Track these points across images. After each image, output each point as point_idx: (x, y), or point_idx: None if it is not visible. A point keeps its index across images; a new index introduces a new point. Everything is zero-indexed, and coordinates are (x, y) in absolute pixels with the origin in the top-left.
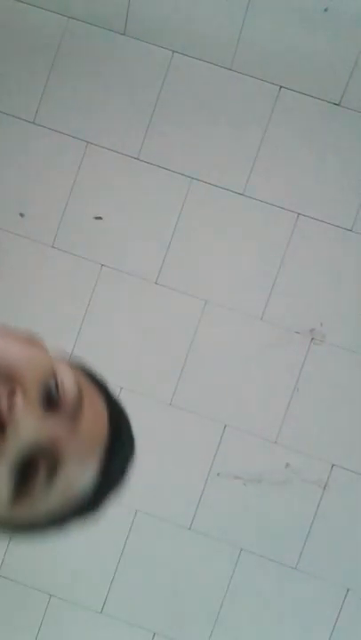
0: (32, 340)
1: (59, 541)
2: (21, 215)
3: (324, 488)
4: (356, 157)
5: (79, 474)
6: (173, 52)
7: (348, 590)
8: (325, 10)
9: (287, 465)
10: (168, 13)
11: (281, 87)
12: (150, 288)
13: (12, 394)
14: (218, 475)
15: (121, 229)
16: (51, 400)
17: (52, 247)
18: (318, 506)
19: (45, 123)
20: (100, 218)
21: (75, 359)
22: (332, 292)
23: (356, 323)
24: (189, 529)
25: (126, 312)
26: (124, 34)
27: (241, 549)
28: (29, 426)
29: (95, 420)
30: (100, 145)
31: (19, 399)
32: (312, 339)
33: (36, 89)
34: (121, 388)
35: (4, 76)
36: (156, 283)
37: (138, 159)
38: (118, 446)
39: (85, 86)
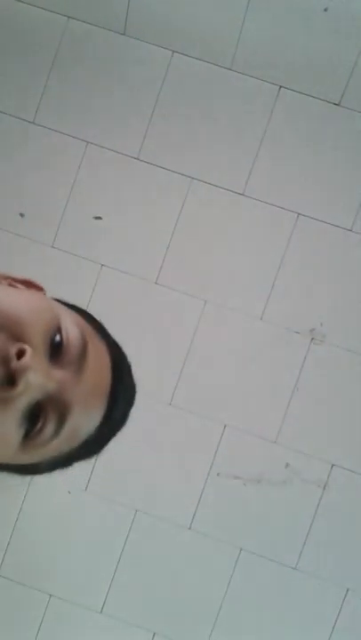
0: (33, 286)
1: (58, 541)
2: (21, 215)
3: (324, 488)
4: (356, 157)
5: (85, 420)
6: (173, 52)
7: (347, 590)
8: (325, 10)
9: (287, 465)
10: (168, 13)
11: (281, 87)
12: (150, 288)
13: (20, 347)
14: (218, 475)
15: (121, 229)
16: (57, 351)
17: (52, 247)
18: (318, 506)
19: (45, 122)
20: (99, 218)
21: (73, 304)
22: (332, 292)
23: (357, 323)
24: (189, 529)
25: (126, 312)
26: (123, 34)
27: (241, 549)
28: (38, 378)
29: (99, 367)
30: (100, 145)
31: (28, 353)
32: (312, 339)
33: (35, 89)
34: None
35: (3, 75)
36: (156, 283)
37: (138, 159)
38: (121, 391)
39: (85, 86)
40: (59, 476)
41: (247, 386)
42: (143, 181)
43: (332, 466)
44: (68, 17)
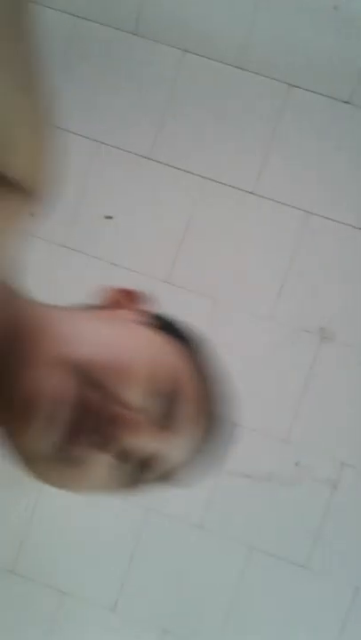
0: (137, 299)
1: (71, 540)
2: (32, 215)
3: (334, 487)
4: None
5: (178, 465)
6: (184, 51)
7: (357, 589)
8: (335, 8)
9: (297, 464)
10: (179, 13)
11: (290, 85)
12: (160, 287)
13: (137, 408)
14: (227, 473)
15: (131, 228)
16: (167, 414)
17: (63, 246)
18: (328, 505)
19: (55, 123)
20: (110, 217)
21: (177, 326)
22: (341, 291)
23: None
24: (199, 527)
25: None
26: (135, 34)
27: (250, 548)
28: (149, 451)
29: (197, 417)
30: (111, 144)
31: (136, 422)
32: (322, 337)
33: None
34: None
35: None
36: (166, 281)
37: (148, 158)
38: (216, 428)
39: (96, 85)
40: None
41: (257, 385)
42: (154, 180)
43: (343, 465)
44: (79, 17)
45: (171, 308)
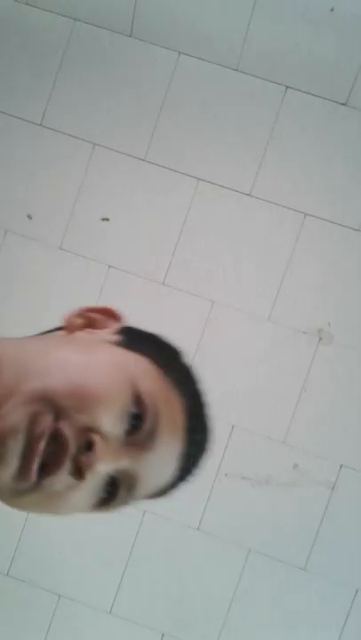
0: (112, 315)
1: (68, 542)
2: (29, 217)
3: (333, 489)
4: None
5: (154, 482)
6: (180, 53)
7: (357, 591)
8: (332, 10)
9: (295, 466)
10: (174, 15)
11: (287, 87)
12: (157, 289)
13: (88, 440)
14: (226, 475)
15: (128, 230)
16: (130, 424)
17: (60, 249)
18: (327, 506)
19: (52, 125)
20: (107, 219)
21: (145, 333)
22: (339, 293)
23: None
24: (197, 530)
25: (133, 313)
26: (130, 35)
27: (249, 550)
28: (108, 466)
29: (171, 433)
30: (107, 146)
31: (97, 446)
32: (320, 339)
33: (42, 91)
34: None
35: (11, 78)
36: (163, 283)
37: (144, 160)
38: (194, 445)
39: (92, 88)
40: None
41: (255, 386)
42: (150, 182)
43: (341, 466)
44: (75, 19)
45: (168, 309)
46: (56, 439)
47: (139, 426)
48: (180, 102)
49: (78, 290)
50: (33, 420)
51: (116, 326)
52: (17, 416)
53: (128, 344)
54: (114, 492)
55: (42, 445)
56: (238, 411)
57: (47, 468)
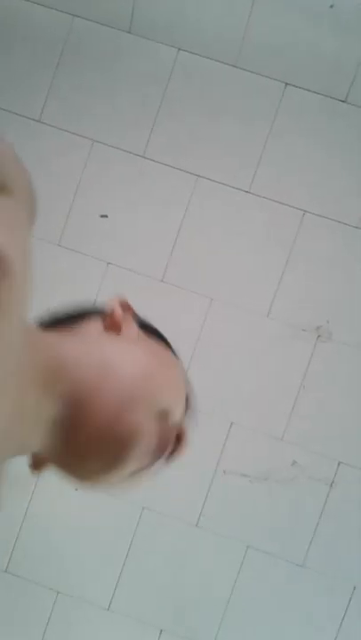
0: (129, 309)
1: (66, 539)
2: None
3: (331, 485)
4: None
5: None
6: (179, 49)
7: (354, 587)
8: (331, 6)
9: (294, 462)
10: (173, 11)
11: (287, 84)
12: (156, 286)
13: (180, 432)
14: (224, 472)
15: (127, 227)
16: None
17: (59, 245)
18: (325, 503)
19: (51, 121)
20: (105, 216)
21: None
22: (338, 290)
23: None
24: (196, 526)
25: None
26: (129, 32)
27: (248, 547)
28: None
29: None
30: (106, 143)
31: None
32: (318, 336)
33: (41, 87)
34: None
35: (9, 74)
36: (162, 280)
37: (143, 157)
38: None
39: (91, 84)
40: None
41: (254, 383)
42: (149, 179)
43: (339, 463)
44: (74, 15)
45: (167, 306)
46: (168, 439)
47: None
48: (179, 99)
49: (77, 287)
50: (163, 439)
51: (132, 315)
52: (149, 431)
53: (150, 334)
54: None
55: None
56: (237, 408)
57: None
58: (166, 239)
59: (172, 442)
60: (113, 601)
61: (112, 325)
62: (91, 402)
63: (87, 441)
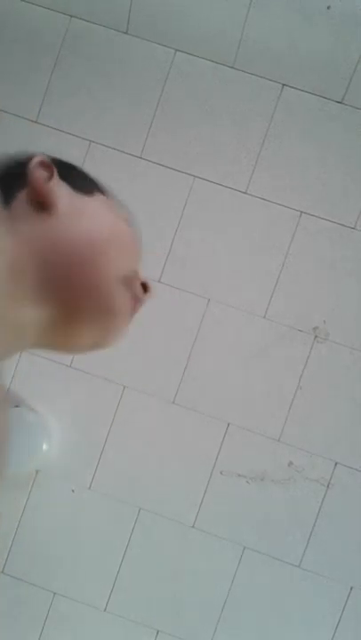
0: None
1: (62, 540)
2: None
3: (328, 486)
4: (358, 155)
5: None
6: (176, 50)
7: (351, 588)
8: (328, 8)
9: (290, 463)
10: (170, 12)
11: (284, 85)
12: (153, 286)
13: (144, 283)
14: (221, 473)
15: None
16: None
17: None
18: (322, 504)
19: (48, 122)
20: None
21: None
22: (335, 291)
23: (360, 321)
24: (193, 527)
25: None
26: (126, 32)
27: (244, 547)
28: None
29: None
30: (103, 144)
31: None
32: (315, 337)
33: (38, 88)
34: (124, 387)
35: (6, 75)
36: (158, 281)
37: (140, 158)
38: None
39: (88, 85)
40: (62, 475)
41: (250, 384)
42: (146, 180)
43: (336, 464)
44: (71, 16)
45: (164, 307)
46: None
47: None
48: (176, 100)
49: None
50: (133, 300)
51: (54, 173)
52: (125, 301)
53: (83, 187)
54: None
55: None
56: (234, 408)
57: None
58: (163, 240)
59: (141, 295)
60: (109, 602)
61: (39, 204)
62: (64, 291)
63: (75, 327)
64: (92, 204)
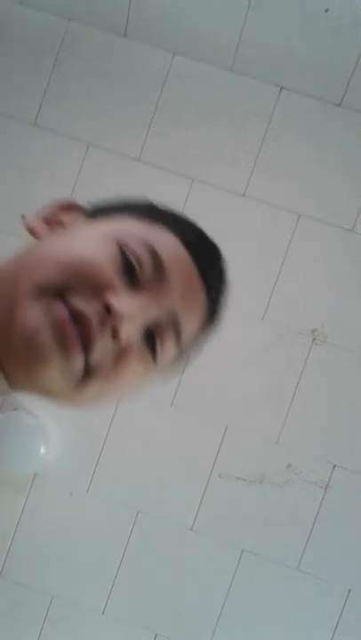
0: (73, 208)
1: (60, 543)
2: (23, 217)
3: (326, 489)
4: (357, 158)
5: (194, 318)
6: (174, 53)
7: (349, 591)
8: (326, 10)
9: (289, 465)
10: (168, 15)
11: (282, 88)
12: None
13: (104, 303)
14: (219, 475)
15: None
16: (132, 274)
17: None
18: (320, 506)
19: (47, 125)
20: None
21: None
22: (333, 293)
23: (358, 323)
24: (191, 530)
25: None
26: (124, 35)
27: (242, 550)
28: (136, 320)
29: (178, 262)
30: (102, 147)
31: (113, 308)
32: (313, 339)
33: (37, 91)
34: None
35: (5, 78)
36: None
37: (139, 161)
38: (208, 269)
39: (86, 88)
40: (61, 478)
41: (249, 386)
42: (144, 183)
43: (334, 466)
44: (69, 19)
45: None
46: (77, 318)
47: (138, 269)
48: (174, 102)
49: None
50: (48, 312)
51: (81, 212)
52: (33, 315)
53: (103, 216)
54: (158, 343)
55: (70, 323)
56: (232, 411)
57: (87, 344)
58: None
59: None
60: (108, 605)
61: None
62: None
63: (10, 354)
64: (88, 227)
